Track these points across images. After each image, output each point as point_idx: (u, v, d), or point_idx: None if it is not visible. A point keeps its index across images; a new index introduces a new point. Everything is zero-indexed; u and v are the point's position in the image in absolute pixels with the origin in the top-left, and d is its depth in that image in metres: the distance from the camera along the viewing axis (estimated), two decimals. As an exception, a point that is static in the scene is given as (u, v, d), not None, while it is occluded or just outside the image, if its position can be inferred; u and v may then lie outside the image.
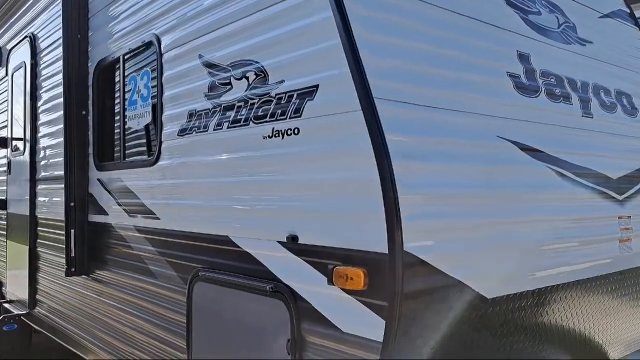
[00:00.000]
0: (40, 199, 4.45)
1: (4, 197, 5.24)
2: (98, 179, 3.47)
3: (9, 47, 5.26)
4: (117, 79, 3.35)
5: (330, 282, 1.72)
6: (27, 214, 4.58)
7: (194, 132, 2.52)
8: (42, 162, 4.39)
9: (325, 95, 1.84)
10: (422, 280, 1.66)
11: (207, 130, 2.43)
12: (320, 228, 1.83)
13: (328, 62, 1.82)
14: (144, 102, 2.98)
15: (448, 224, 1.78)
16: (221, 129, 2.34)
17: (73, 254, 3.53)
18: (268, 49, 2.11)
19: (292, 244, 1.94)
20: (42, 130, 4.39)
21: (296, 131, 1.96)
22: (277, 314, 1.99)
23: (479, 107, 2.07)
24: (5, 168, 5.31)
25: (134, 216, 3.03)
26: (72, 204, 3.53)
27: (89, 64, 3.62)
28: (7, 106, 5.24)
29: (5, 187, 5.31)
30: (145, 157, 3.02)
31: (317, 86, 1.87)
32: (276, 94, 2.06)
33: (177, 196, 2.65)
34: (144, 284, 2.96)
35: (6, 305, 5.05)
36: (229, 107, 2.30)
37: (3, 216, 5.35)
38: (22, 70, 4.83)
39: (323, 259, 1.79)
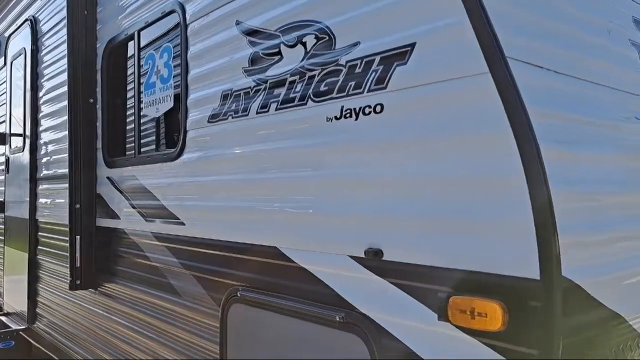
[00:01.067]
0: (42, 200, 3.96)
1: (1, 199, 4.76)
2: (108, 178, 2.98)
3: (7, 33, 4.78)
4: (130, 60, 2.86)
5: (444, 317, 1.22)
6: (27, 217, 4.09)
7: (230, 117, 2.02)
8: (44, 160, 3.90)
9: (427, 57, 1.34)
10: (581, 316, 1.16)
11: (247, 114, 1.94)
12: (419, 240, 1.33)
13: (433, 10, 1.32)
14: (165, 84, 2.49)
15: (604, 236, 1.28)
16: (267, 111, 1.85)
17: (78, 264, 3.04)
18: (333, 4, 1.62)
19: (373, 260, 1.44)
20: (44, 124, 3.91)
21: (378, 109, 1.46)
22: (351, 352, 1.49)
23: (617, 81, 1.57)
24: (2, 167, 4.82)
25: (152, 221, 2.53)
26: (78, 206, 3.05)
27: (97, 45, 3.13)
28: (6, 98, 4.76)
29: (3, 188, 4.82)
30: (165, 150, 2.53)
31: (412, 45, 1.37)
32: (347, 62, 1.56)
33: (207, 196, 2.15)
34: (163, 302, 2.47)
35: (3, 318, 4.56)
36: (278, 84, 1.80)
37: (0, 220, 4.86)
38: (21, 58, 4.35)
39: (427, 283, 1.30)
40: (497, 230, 1.16)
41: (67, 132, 3.28)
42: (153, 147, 2.79)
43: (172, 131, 2.60)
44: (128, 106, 2.99)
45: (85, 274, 3.06)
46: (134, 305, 2.75)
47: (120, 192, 2.84)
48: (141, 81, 2.70)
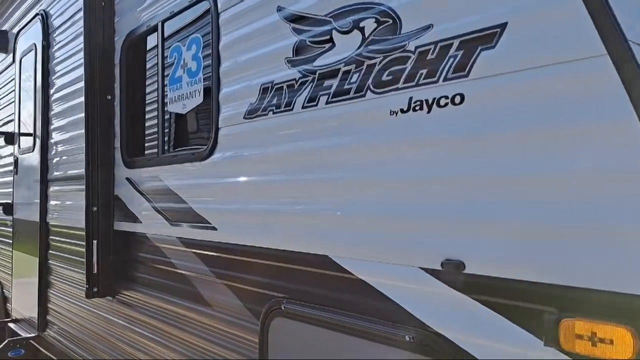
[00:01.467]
0: (53, 202, 3.79)
1: (9, 201, 4.59)
2: (127, 179, 2.80)
3: (15, 29, 4.61)
4: (153, 53, 2.68)
5: (552, 343, 1.04)
6: (37, 220, 3.91)
7: (270, 112, 1.84)
8: (56, 160, 3.73)
9: (522, 39, 1.16)
10: None
11: (291, 109, 1.76)
12: (516, 251, 1.15)
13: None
14: (193, 78, 2.31)
15: None
16: (315, 105, 1.67)
17: (95, 271, 2.86)
18: (398, -16, 1.44)
19: (454, 273, 1.26)
20: (56, 122, 3.74)
21: (457, 99, 1.28)
22: (425, 378, 1.31)
23: None
24: (11, 168, 4.65)
25: (178, 225, 2.36)
26: (95, 208, 2.87)
27: (116, 38, 2.95)
28: (15, 97, 4.59)
29: (11, 189, 4.65)
30: (193, 149, 2.35)
31: (502, 26, 1.19)
32: (417, 47, 1.38)
33: (243, 199, 1.98)
34: (190, 313, 2.29)
35: (12, 325, 4.38)
36: (329, 74, 1.63)
37: (9, 222, 4.69)
38: (32, 55, 4.17)
39: (527, 302, 1.11)
40: (627, 239, 0.98)
41: (81, 131, 3.10)
42: (181, 143, 2.61)
43: (201, 128, 2.42)
44: (148, 102, 2.81)
45: (102, 280, 2.88)
46: (156, 315, 2.57)
47: (141, 193, 2.66)
48: (166, 74, 2.53)
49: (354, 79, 1.55)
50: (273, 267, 1.83)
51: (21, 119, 4.44)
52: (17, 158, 4.43)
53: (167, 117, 2.59)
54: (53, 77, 3.80)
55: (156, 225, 2.52)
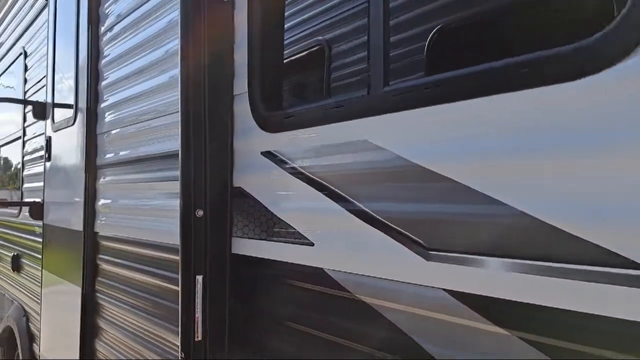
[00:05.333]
0: (106, 201, 2.43)
1: (38, 199, 3.25)
2: (267, 154, 1.39)
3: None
4: None
5: None
6: (79, 228, 2.56)
7: None
8: (113, 134, 2.37)
9: None
10: None
11: None
12: None
13: None
14: None
15: None
16: None
17: (200, 335, 1.45)
18: None
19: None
20: (112, 74, 2.38)
21: None
22: None
23: None
24: (41, 152, 3.32)
25: (451, 259, 0.92)
26: (200, 213, 1.46)
27: None
28: (46, 53, 3.26)
29: (41, 183, 3.32)
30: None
31: None
32: None
33: None
34: None
35: (40, 379, 3.05)
36: None
37: (37, 229, 3.36)
38: (72, -15, 2.83)
39: None
40: None
41: (163, 78, 1.74)
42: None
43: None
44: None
45: (212, 350, 1.47)
46: None
47: (310, 181, 1.24)
48: None
49: None
50: None
51: (55, 82, 3.10)
52: (50, 137, 3.09)
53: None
54: (106, 5, 2.45)
55: (364, 252, 1.09)
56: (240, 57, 1.51)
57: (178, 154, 1.68)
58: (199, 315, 1.45)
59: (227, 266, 1.50)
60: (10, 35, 4.36)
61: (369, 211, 1.08)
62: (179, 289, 1.48)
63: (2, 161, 4.65)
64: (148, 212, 2.01)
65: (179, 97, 1.50)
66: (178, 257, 1.53)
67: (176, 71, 1.81)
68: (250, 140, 1.46)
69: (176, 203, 1.68)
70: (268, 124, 1.40)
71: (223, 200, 1.51)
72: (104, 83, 2.49)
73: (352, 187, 1.12)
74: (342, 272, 1.14)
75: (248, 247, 1.46)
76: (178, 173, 1.67)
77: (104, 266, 2.43)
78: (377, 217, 1.06)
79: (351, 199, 1.12)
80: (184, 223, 1.47)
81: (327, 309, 1.19)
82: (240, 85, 1.51)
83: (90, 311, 2.48)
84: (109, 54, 2.46)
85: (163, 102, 1.88)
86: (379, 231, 1.05)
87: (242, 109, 1.50)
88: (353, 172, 1.12)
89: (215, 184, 1.50)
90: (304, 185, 1.25)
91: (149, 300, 2.01)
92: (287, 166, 1.32)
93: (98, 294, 2.45)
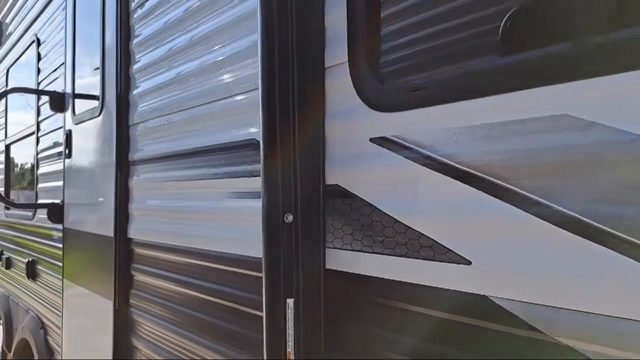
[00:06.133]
0: (144, 203, 2.10)
1: (57, 200, 2.94)
2: (381, 141, 1.06)
3: None
4: None
5: None
6: (109, 233, 2.24)
7: None
8: (152, 124, 2.04)
9: None
10: None
11: None
12: None
13: None
14: None
15: None
16: None
17: (289, 374, 1.13)
18: None
19: None
20: (149, 55, 2.06)
21: None
22: None
23: None
24: (60, 148, 3.00)
25: None
26: (290, 218, 1.14)
27: None
28: (64, 38, 2.94)
29: (60, 182, 3.00)
30: None
31: None
32: None
33: None
34: None
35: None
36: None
37: (56, 234, 3.04)
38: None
39: None
40: None
41: (215, 53, 1.43)
42: None
43: None
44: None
45: (301, 395, 1.15)
46: None
47: (466, 177, 0.91)
48: None
49: None
50: None
51: (76, 70, 2.77)
52: (70, 131, 2.77)
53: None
54: (139, -24, 2.12)
55: (568, 274, 0.77)
56: (334, 18, 1.18)
57: (247, 145, 1.36)
58: (290, 349, 1.12)
59: (322, 286, 1.18)
60: (20, 22, 4.04)
61: (578, 216, 0.75)
62: (263, 314, 1.15)
63: (14, 159, 4.33)
64: (200, 215, 1.69)
65: (260, 73, 1.17)
66: (242, 270, 1.21)
67: (235, 45, 1.49)
68: (353, 123, 1.13)
69: (242, 205, 1.36)
70: (382, 101, 1.07)
71: (314, 201, 1.18)
72: (136, 66, 2.17)
73: (544, 182, 0.79)
74: (526, 302, 0.81)
75: (349, 261, 1.14)
76: (247, 168, 1.35)
77: (140, 277, 2.11)
78: (593, 223, 0.73)
79: (541, 199, 0.79)
80: (270, 231, 1.14)
81: (494, 352, 0.86)
82: (335, 54, 1.18)
83: (123, 328, 2.16)
84: (141, 33, 2.13)
85: (224, 82, 1.55)
86: (597, 245, 0.73)
87: (339, 84, 1.17)
88: (547, 161, 0.79)
89: (307, 180, 1.17)
90: (452, 182, 0.92)
91: (201, 320, 1.69)
92: (419, 155, 0.99)
93: (133, 310, 2.14)
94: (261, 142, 1.17)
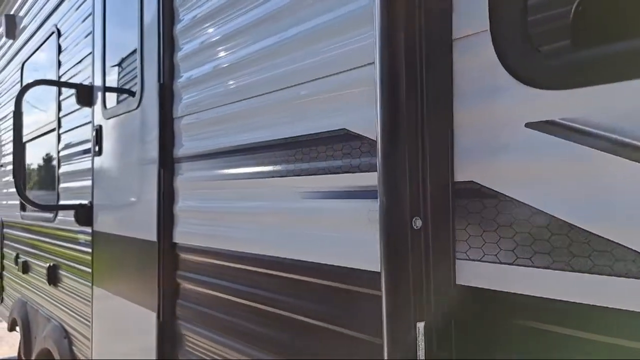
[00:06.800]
0: (193, 204, 1.89)
1: (85, 201, 2.73)
2: (546, 126, 0.85)
3: None
4: None
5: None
6: (153, 238, 2.03)
7: None
8: (203, 115, 1.83)
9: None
10: None
11: None
12: None
13: None
14: None
15: None
16: None
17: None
18: None
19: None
20: (197, 40, 1.85)
21: None
22: None
23: None
24: (86, 145, 2.79)
25: None
26: (418, 223, 0.92)
27: None
28: (92, 25, 2.73)
29: (82, 182, 2.80)
30: None
31: None
32: None
33: None
34: None
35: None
36: None
37: (82, 238, 2.84)
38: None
39: None
40: None
41: (290, 30, 1.24)
42: None
43: None
44: None
45: None
46: None
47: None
48: None
49: None
50: None
51: (107, 60, 2.56)
52: (101, 126, 2.56)
53: None
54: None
55: None
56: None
57: (334, 136, 1.15)
58: (422, 387, 0.91)
59: (454, 307, 0.96)
60: (38, 13, 3.83)
61: None
62: (385, 341, 0.94)
63: (32, 158, 4.12)
64: (267, 218, 1.47)
65: (377, 45, 0.95)
66: (324, 281, 1.00)
67: (324, 18, 1.28)
68: (498, 105, 0.92)
69: (325, 205, 1.16)
70: (546, 77, 0.85)
71: (444, 202, 0.96)
72: (181, 53, 1.95)
73: None
74: None
75: (491, 276, 0.92)
76: (334, 163, 1.15)
77: (188, 286, 1.90)
78: None
79: None
80: (394, 240, 0.92)
81: None
82: (467, 23, 0.97)
83: (170, 343, 1.95)
84: (187, 15, 1.92)
85: (304, 64, 1.33)
86: None
87: (476, 58, 0.96)
88: None
89: (435, 176, 0.96)
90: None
91: (264, 336, 1.48)
92: (608, 143, 0.77)
93: (181, 322, 1.93)
94: (379, 132, 0.95)
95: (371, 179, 1.16)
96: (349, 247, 1.20)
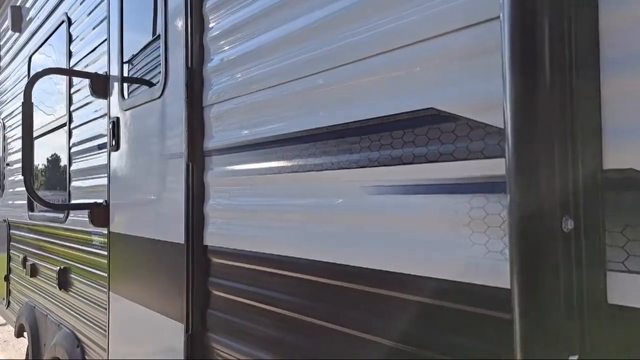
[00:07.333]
0: (227, 203, 1.67)
1: (100, 200, 2.51)
2: None
3: None
4: None
5: None
6: (180, 240, 1.81)
7: None
8: (239, 101, 1.60)
9: None
10: None
11: None
12: None
13: None
14: None
15: None
16: None
17: None
18: None
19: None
20: (230, 18, 1.63)
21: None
22: None
23: None
24: (101, 140, 2.58)
25: None
26: (570, 224, 0.70)
27: None
28: (107, 12, 2.51)
29: (95, 180, 2.58)
30: None
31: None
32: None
33: None
34: None
35: None
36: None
37: (97, 240, 2.62)
38: None
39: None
40: None
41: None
42: None
43: None
44: None
45: None
46: None
47: None
48: None
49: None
50: None
51: (125, 47, 2.34)
52: (117, 119, 2.34)
53: None
54: None
55: None
56: None
57: (418, 117, 0.93)
58: None
59: (605, 333, 0.74)
60: (46, 2, 3.62)
61: None
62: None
63: (40, 156, 3.91)
64: (319, 216, 1.25)
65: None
66: (392, 293, 0.78)
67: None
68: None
69: (401, 202, 0.94)
70: None
71: (594, 197, 0.74)
72: (211, 34, 1.73)
73: None
74: None
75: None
76: (417, 150, 0.93)
77: (220, 294, 1.68)
78: None
79: None
80: (538, 245, 0.70)
81: None
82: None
83: (200, 357, 1.73)
84: (220, -10, 1.70)
85: (378, 32, 1.11)
86: None
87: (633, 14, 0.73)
88: None
89: (585, 166, 0.73)
90: None
91: (309, 351, 1.26)
92: None
93: (212, 334, 1.70)
94: (509, 108, 0.73)
95: (471, 169, 0.94)
96: (437, 253, 0.98)
